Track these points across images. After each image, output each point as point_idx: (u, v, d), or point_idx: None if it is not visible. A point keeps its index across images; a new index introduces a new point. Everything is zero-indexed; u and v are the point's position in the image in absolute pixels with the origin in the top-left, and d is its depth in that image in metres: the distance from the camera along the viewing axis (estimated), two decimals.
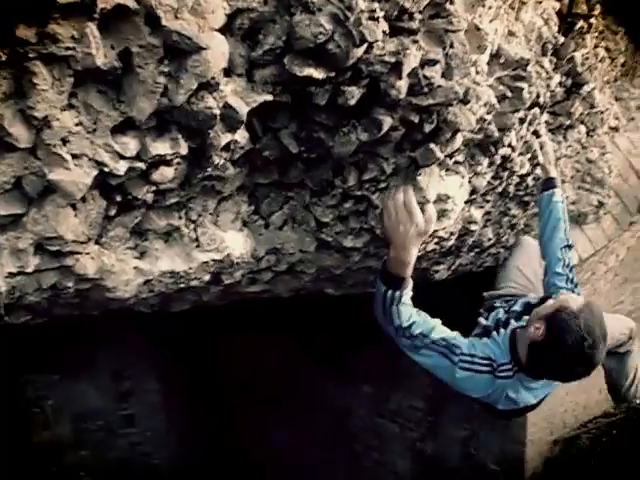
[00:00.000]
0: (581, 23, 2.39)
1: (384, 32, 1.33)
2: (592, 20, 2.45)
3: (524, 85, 1.98)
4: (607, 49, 3.27)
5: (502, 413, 2.03)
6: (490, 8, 1.73)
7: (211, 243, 1.55)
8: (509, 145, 2.16)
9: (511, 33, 1.97)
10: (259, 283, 2.03)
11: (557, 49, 2.27)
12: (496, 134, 1.95)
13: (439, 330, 1.88)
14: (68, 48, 1.01)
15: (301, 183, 1.76)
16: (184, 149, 1.23)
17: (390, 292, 1.82)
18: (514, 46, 1.97)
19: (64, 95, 1.07)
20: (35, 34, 0.98)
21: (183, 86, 1.12)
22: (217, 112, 1.19)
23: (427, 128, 1.64)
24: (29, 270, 1.21)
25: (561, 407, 2.36)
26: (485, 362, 1.86)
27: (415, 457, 3.63)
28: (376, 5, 1.27)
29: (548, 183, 2.42)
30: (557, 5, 2.24)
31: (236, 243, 1.63)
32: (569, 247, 2.28)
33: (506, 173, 2.29)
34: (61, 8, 0.96)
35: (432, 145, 1.72)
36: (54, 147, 1.09)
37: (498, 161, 2.16)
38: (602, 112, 3.44)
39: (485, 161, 2.07)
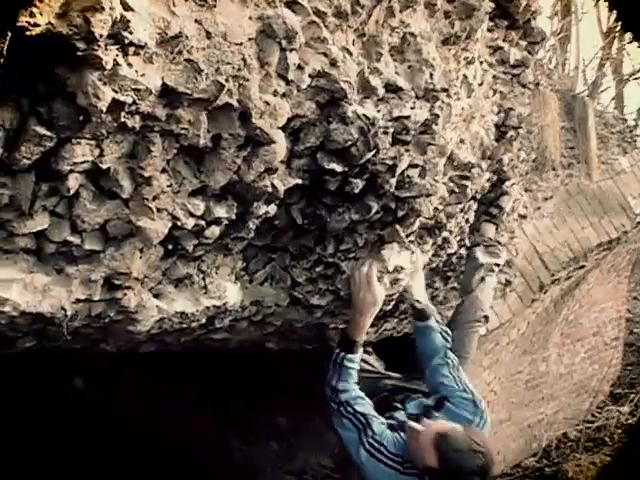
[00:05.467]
0: (511, 132, 3.22)
1: (389, 142, 1.96)
2: (520, 130, 3.31)
3: (468, 183, 2.73)
4: (525, 150, 4.23)
5: None
6: (453, 123, 2.45)
7: (216, 291, 2.04)
8: (449, 230, 2.88)
9: (462, 141, 2.72)
10: (222, 331, 2.51)
11: (491, 152, 3.07)
12: (444, 221, 2.65)
13: (364, 405, 2.37)
14: (184, 128, 1.52)
15: (284, 247, 2.31)
16: (234, 214, 1.75)
17: (337, 351, 2.44)
18: (463, 151, 2.71)
19: (164, 162, 1.56)
20: (165, 114, 1.47)
21: (254, 168, 1.66)
22: (269, 190, 1.73)
23: (400, 214, 2.28)
24: (96, 299, 1.64)
25: None
26: (393, 457, 2.26)
27: None
28: (389, 124, 1.91)
29: (421, 314, 2.74)
30: (496, 118, 3.06)
31: (232, 293, 2.14)
32: (450, 349, 2.65)
33: (443, 252, 3.00)
34: (192, 99, 1.47)
35: (397, 226, 2.37)
36: (147, 201, 1.57)
37: (439, 242, 2.87)
38: (513, 202, 4.38)
39: (430, 241, 2.76)
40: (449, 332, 2.73)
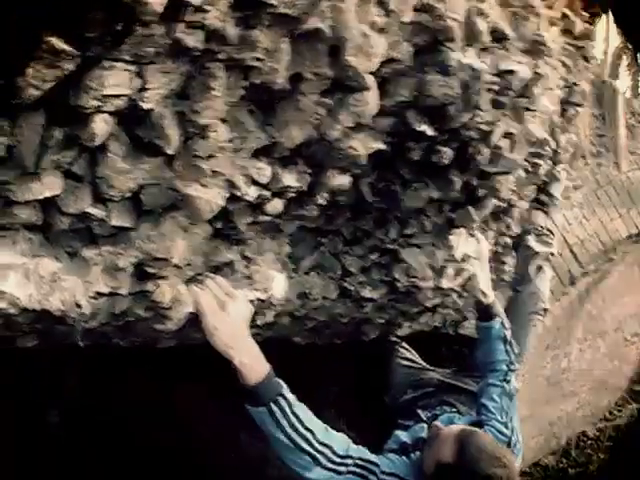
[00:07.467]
0: (573, 111, 2.77)
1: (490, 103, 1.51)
2: (579, 109, 2.86)
3: (542, 162, 2.28)
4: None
5: None
6: None
7: (262, 281, 1.58)
8: (512, 216, 2.43)
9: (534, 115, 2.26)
10: (256, 328, 2.05)
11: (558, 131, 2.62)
12: (517, 204, 2.20)
13: (353, 445, 1.64)
14: (258, 59, 1.05)
15: (337, 231, 1.85)
16: (305, 185, 1.29)
17: (269, 406, 1.46)
18: (536, 127, 2.26)
19: (227, 107, 1.09)
20: (238, 36, 1.00)
21: (340, 122, 1.19)
22: (356, 153, 1.26)
23: (480, 193, 1.83)
24: (123, 292, 1.17)
25: None
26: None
27: None
28: (495, 79, 1.45)
29: (486, 312, 2.16)
30: (561, 93, 2.60)
31: (278, 284, 1.68)
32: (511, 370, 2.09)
33: (502, 240, 2.56)
34: (276, 15, 1.00)
35: (470, 208, 1.92)
36: (199, 160, 1.10)
37: (502, 230, 2.42)
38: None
39: (495, 228, 2.32)
40: (514, 344, 2.18)
